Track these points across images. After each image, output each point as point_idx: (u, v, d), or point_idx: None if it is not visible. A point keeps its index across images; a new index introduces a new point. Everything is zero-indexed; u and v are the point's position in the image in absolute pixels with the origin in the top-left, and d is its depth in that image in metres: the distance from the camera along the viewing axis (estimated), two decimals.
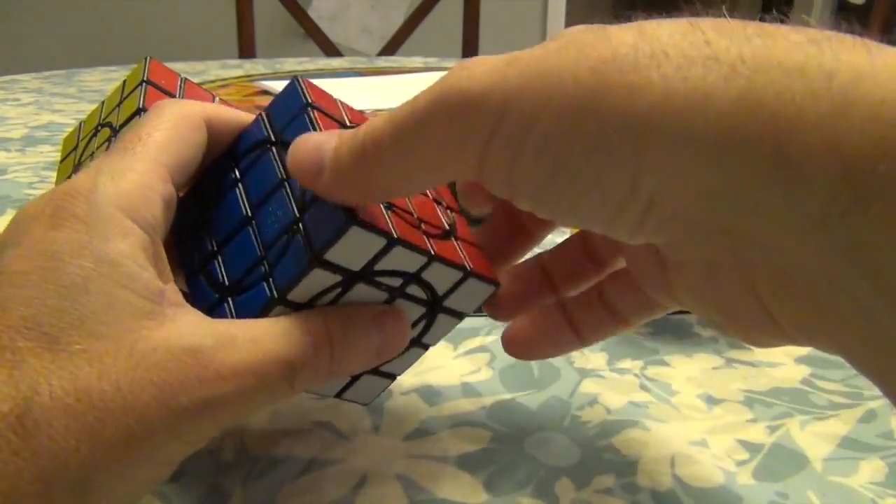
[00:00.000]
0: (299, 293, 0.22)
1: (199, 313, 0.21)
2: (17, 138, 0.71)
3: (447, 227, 0.25)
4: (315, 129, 0.23)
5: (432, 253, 0.23)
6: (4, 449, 0.17)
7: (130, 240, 0.20)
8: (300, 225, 0.22)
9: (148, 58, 0.31)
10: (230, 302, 0.22)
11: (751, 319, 0.19)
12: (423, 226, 0.24)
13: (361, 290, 0.23)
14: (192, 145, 0.23)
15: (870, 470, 0.27)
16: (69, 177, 0.32)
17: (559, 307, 0.26)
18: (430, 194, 0.26)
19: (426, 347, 0.26)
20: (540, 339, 0.26)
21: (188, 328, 0.20)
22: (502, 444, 0.28)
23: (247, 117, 0.25)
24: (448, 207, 0.27)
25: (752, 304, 0.19)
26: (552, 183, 0.18)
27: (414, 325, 0.25)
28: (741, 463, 0.27)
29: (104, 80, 1.02)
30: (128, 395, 0.18)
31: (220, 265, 0.24)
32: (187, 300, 0.21)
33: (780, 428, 0.29)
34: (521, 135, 0.18)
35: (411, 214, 0.24)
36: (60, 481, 0.17)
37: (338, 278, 0.22)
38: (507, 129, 0.18)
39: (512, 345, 0.27)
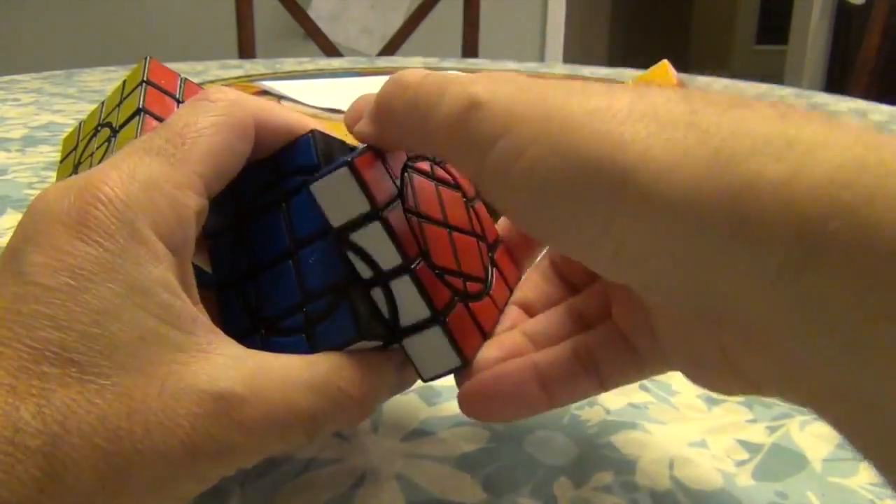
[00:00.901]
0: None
1: (231, 342, 0.20)
2: (17, 138, 0.71)
3: (485, 280, 0.24)
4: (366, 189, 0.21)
5: (443, 316, 0.22)
6: (31, 486, 0.17)
7: (163, 265, 0.19)
8: (350, 292, 0.21)
9: (148, 58, 0.31)
10: (264, 338, 0.22)
11: (721, 371, 0.20)
12: (467, 285, 0.23)
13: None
14: (235, 155, 0.22)
15: (869, 471, 0.27)
16: (69, 177, 0.32)
17: (528, 362, 0.24)
18: (472, 223, 0.25)
19: None
20: (505, 397, 0.23)
21: (219, 368, 0.19)
22: (501, 444, 0.28)
23: (298, 123, 0.24)
24: (482, 237, 0.26)
25: (720, 357, 0.20)
26: (535, 206, 0.19)
27: None
28: (741, 463, 0.27)
29: (104, 80, 1.02)
30: (157, 438, 0.18)
31: (255, 289, 0.23)
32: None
33: (780, 428, 0.29)
34: (513, 157, 0.19)
35: (457, 274, 0.23)
36: None
37: (379, 343, 0.22)
38: (502, 147, 0.19)
39: (471, 402, 0.23)
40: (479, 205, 0.27)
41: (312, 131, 0.23)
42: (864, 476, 0.27)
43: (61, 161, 0.35)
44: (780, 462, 0.27)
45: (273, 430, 0.19)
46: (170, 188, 0.20)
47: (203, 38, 2.35)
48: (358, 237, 0.21)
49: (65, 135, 0.36)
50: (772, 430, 0.29)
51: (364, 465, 0.27)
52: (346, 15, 2.47)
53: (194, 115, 0.22)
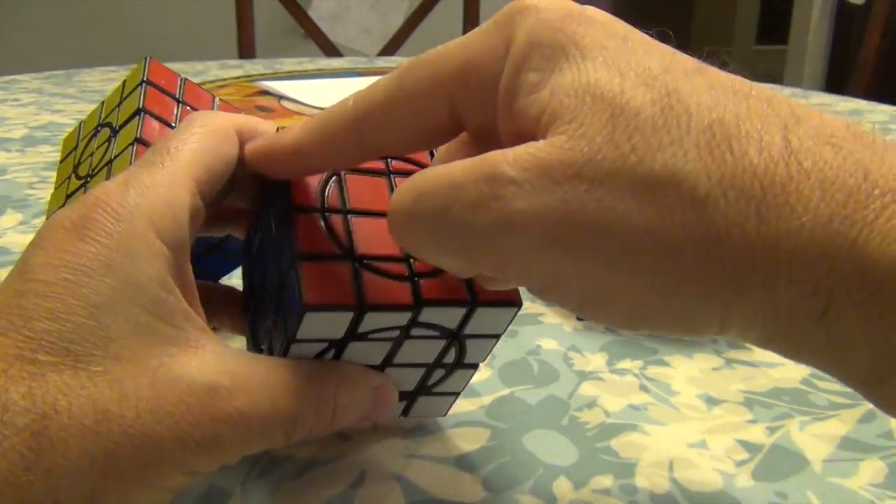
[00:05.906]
0: (298, 356, 0.22)
1: (218, 340, 0.21)
2: (17, 138, 0.71)
3: None
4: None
5: (419, 300, 0.22)
6: (17, 464, 0.17)
7: (158, 262, 0.20)
8: (281, 301, 0.22)
9: (148, 58, 0.31)
10: None
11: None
12: (414, 264, 0.23)
13: (358, 347, 0.23)
14: (221, 157, 0.23)
15: (869, 471, 0.27)
16: (69, 177, 0.32)
17: None
18: None
19: (475, 367, 0.26)
20: None
21: (208, 362, 0.20)
22: (500, 441, 0.28)
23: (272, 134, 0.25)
24: None
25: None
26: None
27: (444, 352, 0.24)
28: (740, 463, 0.27)
29: (104, 80, 1.02)
30: (147, 423, 0.18)
31: (260, 319, 0.25)
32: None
33: (780, 429, 0.29)
34: None
35: (397, 259, 0.23)
36: (71, 499, 0.18)
37: (325, 345, 0.22)
38: None
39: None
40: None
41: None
42: (864, 476, 0.27)
43: (61, 161, 0.35)
44: (779, 462, 0.27)
45: (256, 425, 0.20)
46: (163, 190, 0.21)
47: (203, 38, 2.35)
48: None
49: (65, 135, 0.36)
50: (771, 430, 0.29)
51: (364, 465, 0.27)
52: (346, 15, 2.47)
53: (176, 132, 0.23)
